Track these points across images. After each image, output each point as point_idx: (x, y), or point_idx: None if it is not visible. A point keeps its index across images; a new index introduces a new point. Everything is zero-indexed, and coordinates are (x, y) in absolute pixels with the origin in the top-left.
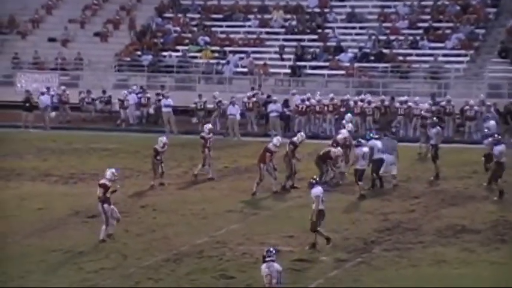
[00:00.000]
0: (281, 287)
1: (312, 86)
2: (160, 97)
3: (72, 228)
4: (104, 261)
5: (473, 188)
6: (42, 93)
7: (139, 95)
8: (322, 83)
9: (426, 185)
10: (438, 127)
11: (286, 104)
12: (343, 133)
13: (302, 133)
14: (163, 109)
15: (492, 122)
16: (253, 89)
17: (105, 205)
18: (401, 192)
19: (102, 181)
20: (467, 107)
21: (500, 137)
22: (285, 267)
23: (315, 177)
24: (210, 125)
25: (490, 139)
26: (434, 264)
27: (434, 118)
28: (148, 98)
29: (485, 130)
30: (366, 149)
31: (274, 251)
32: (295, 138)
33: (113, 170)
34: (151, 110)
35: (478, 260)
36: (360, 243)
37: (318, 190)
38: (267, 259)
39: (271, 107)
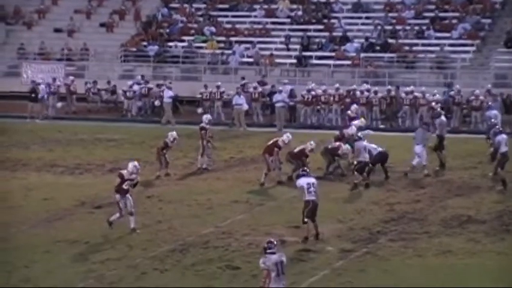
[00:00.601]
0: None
1: (317, 76)
2: (163, 88)
3: (78, 218)
4: (110, 251)
5: (478, 178)
6: (38, 84)
7: (140, 86)
8: (328, 73)
9: (432, 175)
10: (442, 117)
11: (291, 94)
12: (352, 129)
13: (288, 134)
14: (165, 100)
15: (494, 112)
16: (263, 77)
17: (117, 195)
18: (407, 183)
19: (121, 171)
20: (473, 97)
21: (500, 127)
22: (290, 257)
23: (305, 168)
24: (209, 116)
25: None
26: (440, 254)
27: (438, 108)
28: (150, 89)
29: (490, 120)
30: (366, 143)
31: (275, 243)
32: (280, 140)
33: (136, 163)
34: (157, 102)
35: (483, 250)
36: (366, 233)
37: (301, 181)
38: (268, 251)
39: (276, 97)
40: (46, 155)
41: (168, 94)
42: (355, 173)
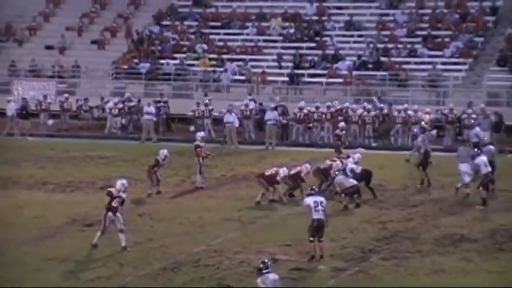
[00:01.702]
0: None
1: (310, 94)
2: (162, 104)
3: (69, 236)
4: (101, 269)
5: (471, 197)
6: (9, 101)
7: (123, 103)
8: (320, 91)
9: (425, 194)
10: (422, 135)
11: (283, 112)
12: (338, 165)
13: (308, 165)
14: (145, 116)
15: (477, 129)
16: (250, 94)
17: (109, 213)
18: (399, 201)
19: (110, 189)
20: (465, 116)
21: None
22: (282, 276)
23: (314, 187)
24: (202, 133)
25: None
26: (433, 273)
27: (423, 124)
28: (131, 107)
29: (473, 139)
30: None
31: (269, 262)
32: (303, 173)
33: (124, 181)
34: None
35: (476, 269)
36: (358, 252)
37: (308, 199)
38: (263, 271)
39: (268, 115)
40: (37, 173)
41: (147, 110)
42: (344, 196)
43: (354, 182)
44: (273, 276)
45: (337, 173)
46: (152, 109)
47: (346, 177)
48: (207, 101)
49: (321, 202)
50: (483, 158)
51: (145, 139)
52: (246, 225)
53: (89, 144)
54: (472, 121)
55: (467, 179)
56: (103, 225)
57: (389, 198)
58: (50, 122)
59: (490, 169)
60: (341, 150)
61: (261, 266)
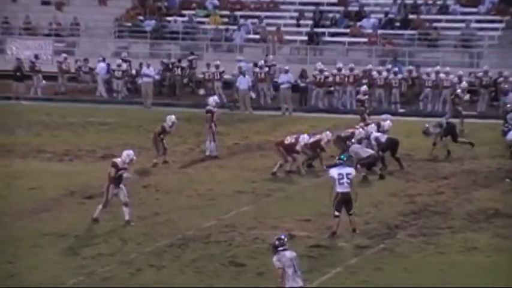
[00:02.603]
0: (299, 275)
1: (331, 55)
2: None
3: (67, 209)
4: (102, 246)
5: (508, 167)
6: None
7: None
8: (343, 52)
9: (456, 165)
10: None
11: (302, 74)
12: (361, 132)
13: (328, 132)
14: (144, 78)
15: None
16: (267, 56)
17: (112, 186)
18: (428, 173)
19: (114, 159)
20: (501, 79)
21: None
22: (300, 253)
23: (342, 156)
24: (215, 97)
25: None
26: (465, 251)
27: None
28: (124, 71)
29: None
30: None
31: (285, 239)
32: (323, 142)
33: (131, 152)
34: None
35: (511, 246)
36: (383, 228)
37: (332, 171)
38: (279, 249)
39: (282, 77)
40: (32, 140)
41: (146, 72)
42: (361, 167)
43: (370, 151)
44: (289, 253)
45: (353, 140)
46: (151, 71)
47: (362, 146)
48: (218, 62)
49: (348, 174)
50: None
51: (151, 103)
52: (261, 199)
53: (89, 109)
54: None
55: None
56: (105, 198)
57: (417, 169)
58: (44, 82)
59: None
60: (365, 117)
61: (277, 243)
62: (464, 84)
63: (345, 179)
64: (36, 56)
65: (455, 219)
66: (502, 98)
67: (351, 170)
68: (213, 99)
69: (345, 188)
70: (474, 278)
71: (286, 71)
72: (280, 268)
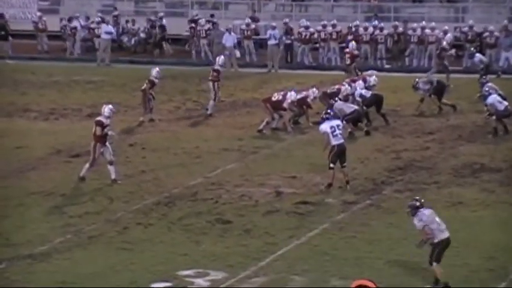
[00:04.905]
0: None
1: (316, 11)
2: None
3: (54, 168)
4: (89, 204)
5: (493, 122)
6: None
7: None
8: (328, 8)
9: (442, 120)
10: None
11: (287, 31)
12: (347, 89)
13: (315, 89)
14: (103, 36)
15: (478, 55)
16: (254, 12)
17: (98, 144)
18: (414, 128)
19: (99, 118)
20: (487, 34)
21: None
22: (287, 210)
23: (329, 111)
24: (222, 57)
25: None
26: (451, 206)
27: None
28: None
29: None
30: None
31: (422, 200)
32: (310, 98)
33: (110, 106)
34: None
35: (497, 201)
36: (369, 183)
37: (323, 126)
38: (418, 209)
39: (269, 33)
40: (18, 99)
41: (106, 29)
42: (346, 123)
43: (354, 106)
44: (427, 211)
45: (336, 99)
46: (111, 28)
47: (344, 106)
48: (203, 19)
49: (338, 126)
50: (494, 96)
51: (101, 60)
52: (247, 156)
53: (74, 68)
54: (495, 40)
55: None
56: (92, 156)
57: (403, 125)
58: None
59: (506, 103)
60: (356, 72)
61: (416, 204)
62: (449, 37)
63: (337, 131)
64: (1, 15)
65: (441, 174)
66: (487, 52)
67: (339, 122)
68: (219, 59)
69: (340, 140)
70: (460, 232)
71: (273, 28)
72: (424, 226)
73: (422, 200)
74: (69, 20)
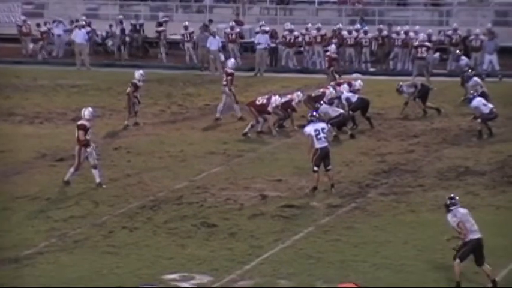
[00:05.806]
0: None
1: (301, 14)
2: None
3: (38, 172)
4: (74, 208)
5: (478, 125)
6: None
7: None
8: (312, 12)
9: (427, 123)
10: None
11: (272, 35)
12: (332, 92)
13: (299, 93)
14: (76, 40)
15: (464, 59)
16: (237, 15)
17: (83, 148)
18: (399, 131)
19: (81, 122)
20: (472, 37)
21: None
22: (272, 214)
23: (314, 113)
24: (233, 60)
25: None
26: (435, 209)
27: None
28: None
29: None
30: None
31: (457, 197)
32: (295, 102)
33: (90, 109)
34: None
35: (482, 204)
36: (354, 187)
37: (308, 128)
38: (452, 207)
39: (258, 38)
40: (2, 103)
41: (77, 33)
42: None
43: (340, 110)
44: (463, 209)
45: (322, 102)
46: (83, 32)
47: (333, 106)
48: (186, 23)
49: (322, 129)
50: (478, 99)
51: (81, 64)
52: (232, 159)
53: (59, 72)
54: (480, 43)
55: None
56: (77, 160)
57: (388, 128)
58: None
59: (490, 106)
60: (335, 76)
61: (449, 202)
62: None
63: (322, 134)
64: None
65: (426, 177)
66: (473, 55)
67: (324, 125)
68: (230, 62)
69: (323, 143)
70: (445, 235)
71: (264, 32)
72: (458, 223)
73: (457, 198)
74: (45, 23)
